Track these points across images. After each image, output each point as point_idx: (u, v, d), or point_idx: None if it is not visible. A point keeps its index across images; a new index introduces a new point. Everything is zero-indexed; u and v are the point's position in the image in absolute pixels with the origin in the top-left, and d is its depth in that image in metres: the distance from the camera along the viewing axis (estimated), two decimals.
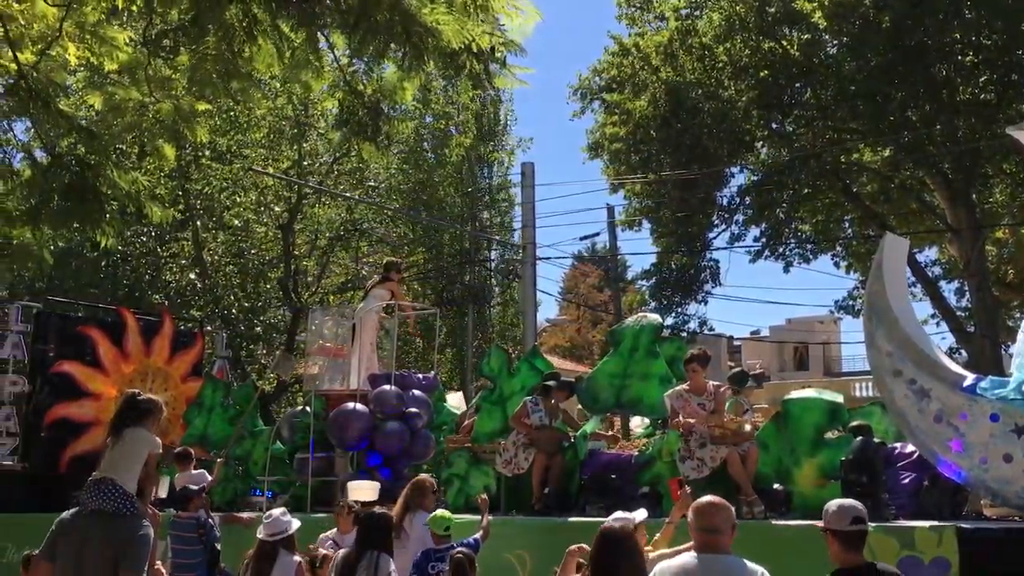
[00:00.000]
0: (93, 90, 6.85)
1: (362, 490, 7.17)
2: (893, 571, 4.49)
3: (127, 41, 6.44)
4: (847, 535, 4.30)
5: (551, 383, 9.30)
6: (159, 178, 20.02)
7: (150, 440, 5.36)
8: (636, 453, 9.33)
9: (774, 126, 23.32)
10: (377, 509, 6.45)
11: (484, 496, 7.66)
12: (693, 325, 25.64)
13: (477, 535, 6.92)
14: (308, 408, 11.24)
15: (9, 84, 6.20)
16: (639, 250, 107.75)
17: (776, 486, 7.75)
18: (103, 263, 21.47)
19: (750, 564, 4.05)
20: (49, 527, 5.10)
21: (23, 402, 14.28)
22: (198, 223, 21.26)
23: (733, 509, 4.35)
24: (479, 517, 7.20)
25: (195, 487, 9.09)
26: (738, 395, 9.91)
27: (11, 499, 12.79)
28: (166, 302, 20.45)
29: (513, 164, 27.19)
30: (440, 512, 6.91)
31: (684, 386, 8.32)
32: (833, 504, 4.42)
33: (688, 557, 4.06)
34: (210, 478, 10.13)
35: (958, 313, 23.01)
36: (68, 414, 13.13)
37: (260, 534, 6.61)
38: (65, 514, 5.16)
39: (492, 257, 27.33)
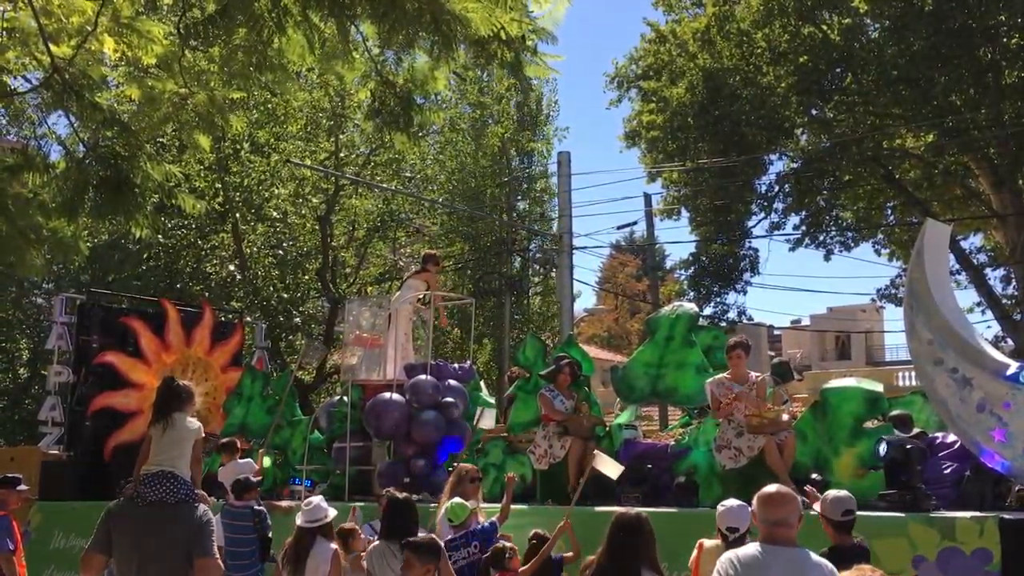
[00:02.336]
0: (131, 83, 6.92)
1: (607, 464, 7.11)
2: (865, 547, 5.38)
3: (163, 34, 6.50)
4: (838, 523, 5.22)
5: (553, 367, 9.30)
6: (199, 171, 20.25)
7: (196, 426, 5.44)
8: (672, 442, 9.27)
9: (814, 112, 23.02)
10: (401, 494, 6.45)
11: (512, 475, 7.67)
12: (732, 314, 25.49)
13: (494, 518, 6.95)
14: (345, 398, 11.31)
15: (45, 77, 6.29)
16: (677, 239, 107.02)
17: (814, 476, 7.65)
18: (145, 256, 21.78)
19: (814, 556, 4.00)
20: (93, 514, 5.16)
21: (68, 392, 14.54)
22: (237, 215, 21.46)
23: (800, 500, 4.29)
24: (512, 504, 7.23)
25: (252, 477, 9.22)
26: (780, 386, 9.79)
27: (57, 487, 13.05)
28: (207, 293, 20.70)
29: (550, 154, 27.14)
30: (455, 501, 6.94)
31: (726, 374, 8.26)
32: (830, 495, 5.28)
33: (754, 549, 3.99)
34: (256, 467, 10.28)
35: (1004, 301, 22.57)
36: (112, 404, 13.33)
37: (298, 521, 6.69)
38: (113, 505, 5.15)
39: (530, 247, 27.31)
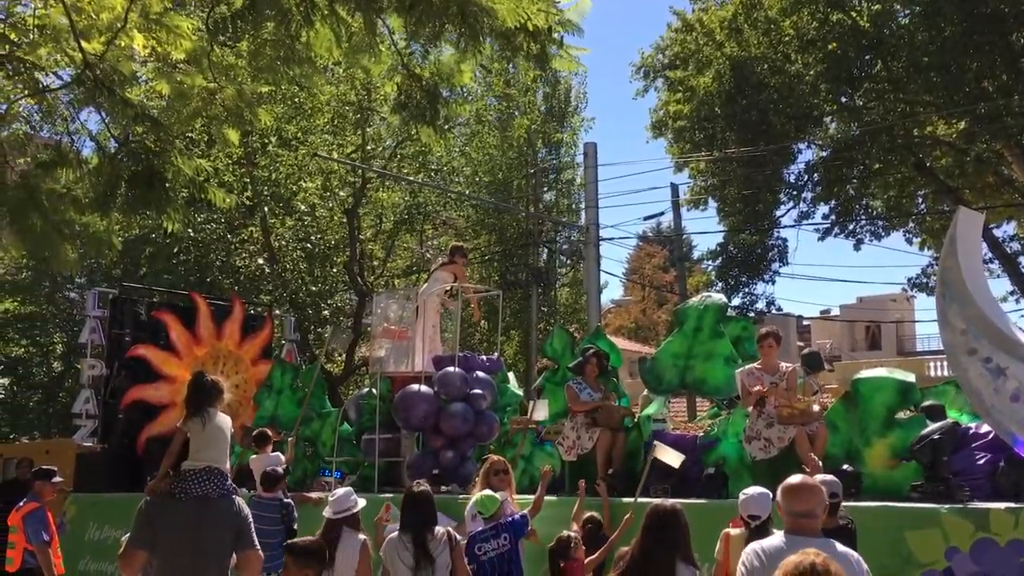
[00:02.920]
0: (161, 78, 6.98)
1: (668, 453, 7.14)
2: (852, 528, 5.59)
3: (192, 29, 6.55)
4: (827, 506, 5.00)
5: (580, 359, 9.29)
6: (227, 165, 20.40)
7: (228, 421, 5.50)
8: (701, 434, 9.23)
9: (843, 100, 22.78)
10: (418, 487, 6.46)
11: (548, 468, 7.67)
12: (761, 305, 25.33)
13: (526, 511, 6.96)
14: (374, 390, 11.36)
15: (77, 74, 6.36)
16: (705, 229, 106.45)
17: (845, 467, 7.59)
18: (175, 250, 21.99)
19: (840, 546, 3.98)
20: (127, 506, 5.22)
21: (101, 385, 14.73)
22: (266, 209, 21.60)
23: (825, 491, 4.30)
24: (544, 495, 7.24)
25: (280, 469, 9.31)
26: (810, 376, 9.73)
27: (92, 479, 13.24)
28: (236, 287, 20.86)
29: (576, 145, 27.07)
30: (484, 493, 6.94)
31: (756, 364, 8.22)
32: (817, 479, 4.94)
33: (778, 540, 3.99)
34: (284, 459, 10.37)
35: None
36: (144, 397, 13.49)
37: (325, 513, 6.73)
38: (152, 502, 5.15)
39: (557, 239, 27.28)
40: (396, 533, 5.94)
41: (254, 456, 10.51)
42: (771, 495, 5.39)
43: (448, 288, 11.73)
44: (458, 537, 6.00)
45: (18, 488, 11.13)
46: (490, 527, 6.65)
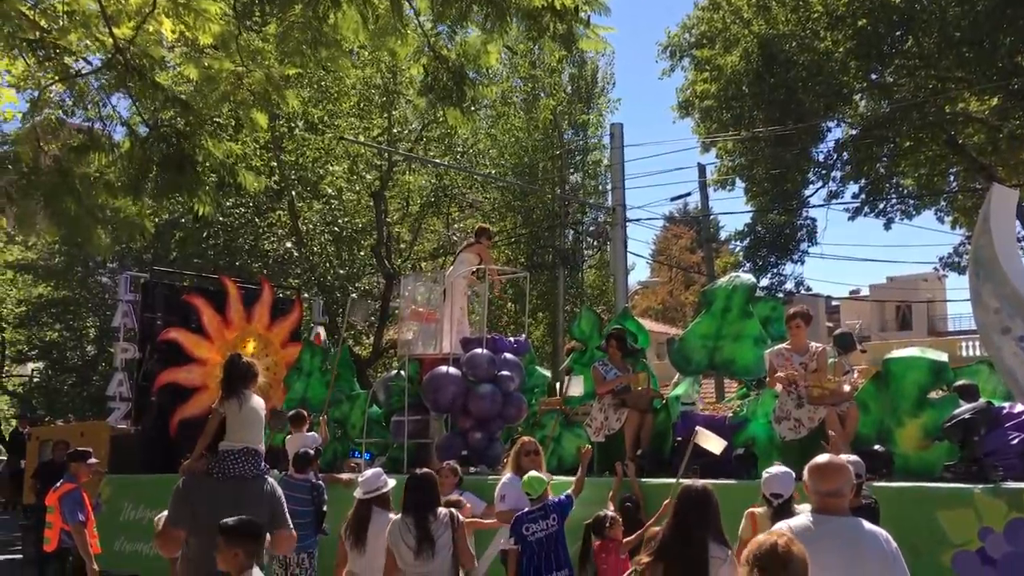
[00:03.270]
0: (189, 63, 7.01)
1: (709, 439, 7.18)
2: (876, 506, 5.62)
3: (219, 13, 6.57)
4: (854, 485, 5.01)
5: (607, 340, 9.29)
6: (255, 150, 20.50)
7: (263, 402, 5.54)
8: (730, 415, 9.21)
9: (873, 77, 22.46)
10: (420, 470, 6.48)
11: (588, 448, 7.69)
12: (790, 285, 25.15)
13: (569, 491, 6.98)
14: (403, 372, 11.43)
15: (107, 59, 6.40)
16: (732, 210, 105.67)
17: (877, 447, 7.55)
18: (204, 234, 22.16)
19: (867, 525, 3.97)
20: (161, 487, 5.28)
21: (134, 368, 14.92)
22: (293, 193, 21.70)
23: (853, 470, 4.29)
24: (573, 478, 7.24)
25: (312, 450, 9.39)
26: (842, 356, 9.66)
27: (126, 460, 13.43)
28: (264, 271, 21.01)
29: (602, 126, 26.92)
30: (532, 475, 6.96)
31: (785, 345, 8.17)
32: (842, 459, 4.76)
33: (806, 519, 3.99)
34: (320, 439, 10.47)
35: None
36: (176, 379, 13.63)
37: (357, 493, 6.78)
38: (188, 482, 5.20)
39: (583, 220, 27.20)
40: (400, 516, 5.97)
41: (289, 436, 10.63)
42: (793, 475, 5.50)
43: (475, 270, 11.74)
44: (461, 518, 6.02)
45: (55, 469, 11.32)
46: (538, 507, 6.70)
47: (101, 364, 26.25)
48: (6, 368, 29.67)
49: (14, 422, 27.68)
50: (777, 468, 5.74)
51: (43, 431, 18.35)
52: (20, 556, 16.69)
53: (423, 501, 5.89)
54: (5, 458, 23.16)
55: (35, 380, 30.85)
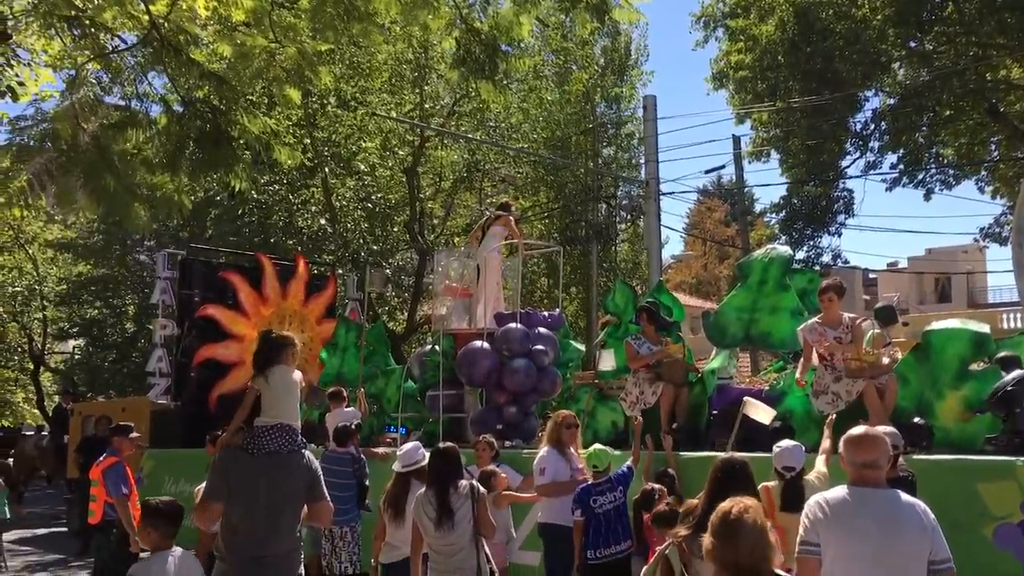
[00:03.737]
0: (222, 40, 7.03)
1: (758, 409, 7.24)
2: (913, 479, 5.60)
3: None
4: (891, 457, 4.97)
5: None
6: (288, 127, 20.58)
7: (298, 376, 5.57)
8: (766, 387, 9.14)
9: (912, 45, 22.03)
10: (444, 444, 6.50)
11: (639, 419, 7.71)
12: (827, 258, 24.89)
13: (628, 463, 7.05)
14: (437, 347, 11.48)
15: (143, 35, 6.44)
16: (767, 182, 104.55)
17: (916, 420, 7.46)
18: (239, 212, 22.32)
19: (905, 496, 3.94)
20: (200, 461, 5.34)
21: (173, 344, 15.12)
22: (327, 170, 21.77)
23: (889, 441, 4.28)
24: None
25: (353, 424, 9.47)
26: (883, 329, 9.53)
27: (166, 435, 13.65)
28: (299, 247, 21.14)
29: (635, 99, 26.68)
30: (597, 447, 7.02)
31: (817, 318, 8.04)
32: (879, 430, 4.57)
33: (842, 491, 3.96)
34: (359, 413, 10.57)
35: None
36: (214, 355, 13.81)
37: (395, 467, 6.85)
38: (226, 456, 5.24)
39: (616, 194, 27.03)
40: (423, 490, 6.02)
41: (329, 413, 10.75)
42: (803, 448, 5.77)
43: (506, 243, 11.73)
44: (482, 490, 6.05)
45: (98, 444, 11.52)
46: (604, 480, 6.79)
47: (140, 340, 26.61)
48: (48, 345, 30.17)
49: (57, 398, 28.22)
50: (788, 442, 5.88)
51: (85, 407, 18.71)
52: (65, 528, 17.10)
53: (444, 473, 5.94)
54: (48, 433, 23.63)
55: (76, 357, 31.37)
